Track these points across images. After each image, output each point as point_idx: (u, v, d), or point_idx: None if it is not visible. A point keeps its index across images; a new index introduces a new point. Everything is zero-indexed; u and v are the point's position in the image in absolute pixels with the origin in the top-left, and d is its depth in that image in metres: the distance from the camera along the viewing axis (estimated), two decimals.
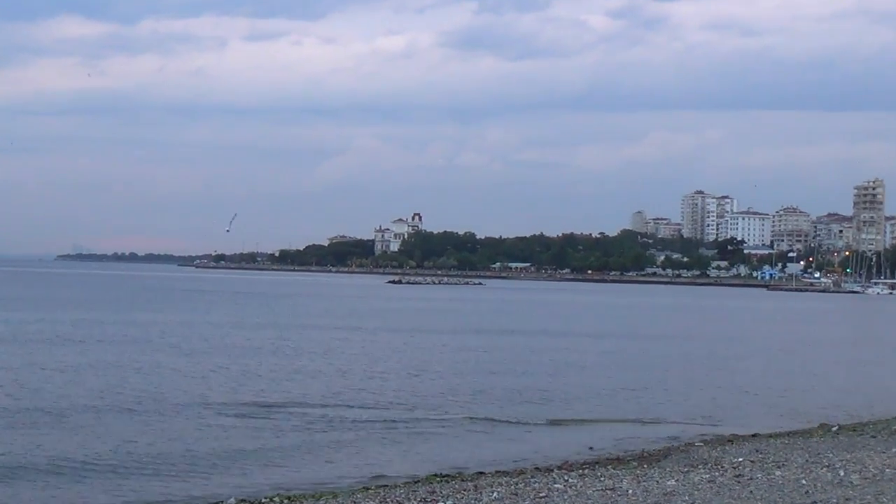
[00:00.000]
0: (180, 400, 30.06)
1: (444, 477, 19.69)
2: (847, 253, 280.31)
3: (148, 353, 44.66)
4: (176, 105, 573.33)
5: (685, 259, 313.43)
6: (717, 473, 17.98)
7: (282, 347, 49.87)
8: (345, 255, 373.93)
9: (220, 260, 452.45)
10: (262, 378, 36.38)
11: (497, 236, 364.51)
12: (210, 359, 42.88)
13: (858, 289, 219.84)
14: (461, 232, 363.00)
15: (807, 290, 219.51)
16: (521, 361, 45.48)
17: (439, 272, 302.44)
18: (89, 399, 29.59)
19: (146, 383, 33.81)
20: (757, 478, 17.03)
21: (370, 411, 28.96)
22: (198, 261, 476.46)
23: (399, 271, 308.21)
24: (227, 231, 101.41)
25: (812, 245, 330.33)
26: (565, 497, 15.92)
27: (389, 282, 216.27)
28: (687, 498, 15.18)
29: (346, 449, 23.47)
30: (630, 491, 16.15)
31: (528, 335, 63.62)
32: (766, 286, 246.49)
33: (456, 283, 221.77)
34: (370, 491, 18.01)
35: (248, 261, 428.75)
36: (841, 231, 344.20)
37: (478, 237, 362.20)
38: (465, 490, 17.21)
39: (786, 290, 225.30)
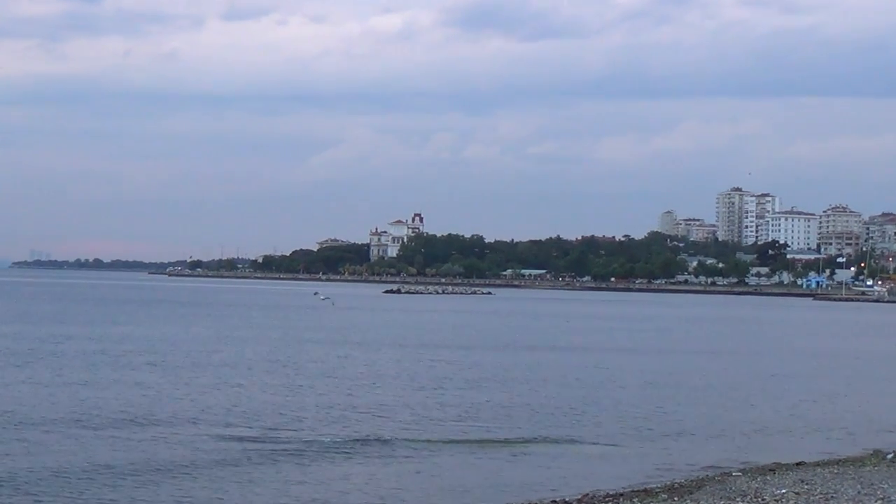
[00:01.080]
0: (167, 419, 30.84)
1: None
2: None
3: (121, 370, 45.35)
4: (145, 93, 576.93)
5: (720, 265, 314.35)
6: None
7: (275, 366, 50.59)
8: (336, 261, 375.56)
9: (195, 267, 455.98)
10: (256, 400, 37.02)
11: (508, 240, 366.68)
12: (197, 378, 43.62)
13: None
14: (467, 235, 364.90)
15: (858, 300, 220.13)
16: (542, 380, 46.17)
17: (443, 280, 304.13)
18: (63, 420, 30.27)
19: (116, 404, 34.45)
20: None
21: (381, 434, 29.72)
22: (171, 268, 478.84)
23: (397, 280, 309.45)
24: (317, 294, 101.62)
25: (864, 249, 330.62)
26: None
27: (386, 291, 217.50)
28: None
29: (356, 478, 24.13)
30: None
31: (548, 351, 64.32)
32: (813, 295, 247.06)
33: (462, 293, 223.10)
34: None
35: (228, 268, 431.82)
36: None
37: (486, 241, 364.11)
38: None
39: (834, 299, 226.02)
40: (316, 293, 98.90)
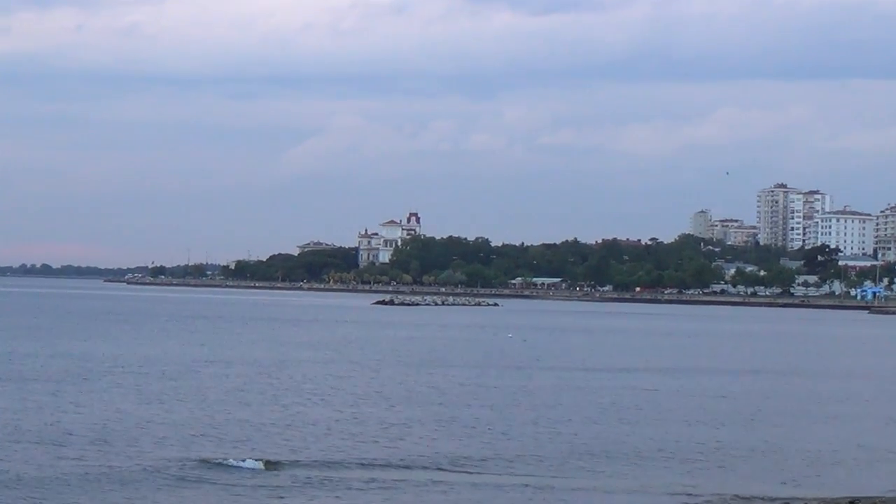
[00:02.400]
0: (138, 440, 31.39)
1: None
2: None
3: (98, 391, 45.95)
4: (100, 73, 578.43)
5: (762, 273, 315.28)
6: None
7: (266, 387, 51.35)
8: (320, 267, 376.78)
9: (158, 274, 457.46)
10: (251, 426, 37.68)
11: (518, 243, 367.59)
12: (178, 403, 44.24)
13: None
14: (471, 238, 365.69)
15: None
16: (571, 406, 46.91)
17: (443, 290, 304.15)
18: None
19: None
20: None
21: (394, 468, 30.43)
22: (130, 275, 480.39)
23: (390, 289, 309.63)
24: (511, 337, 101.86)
25: None
26: None
27: (377, 303, 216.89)
28: None
29: None
30: None
31: (569, 372, 64.89)
32: (868, 308, 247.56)
33: (464, 305, 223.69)
34: None
35: (196, 275, 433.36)
36: None
37: (492, 245, 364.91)
38: None
39: (893, 313, 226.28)
40: (510, 336, 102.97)
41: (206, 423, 37.89)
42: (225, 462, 30.18)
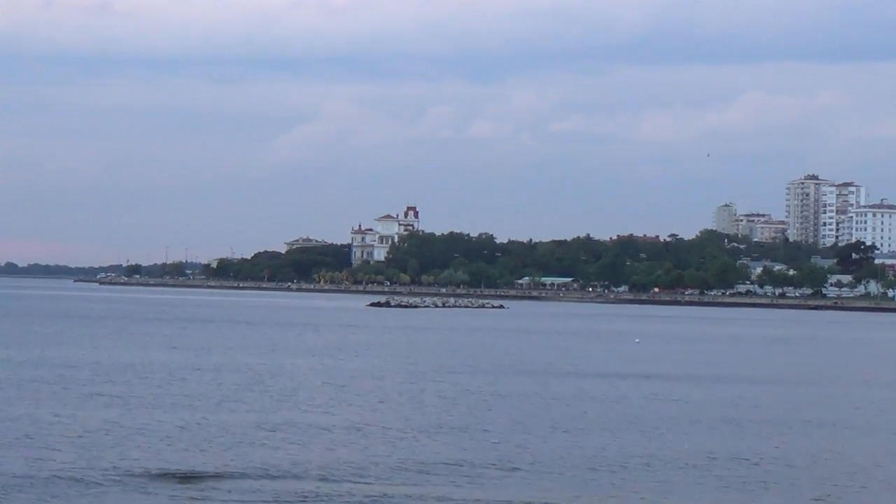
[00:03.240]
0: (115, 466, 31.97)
1: None
2: None
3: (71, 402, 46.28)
4: (69, 55, 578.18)
5: (791, 272, 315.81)
6: None
7: (260, 394, 51.82)
8: (310, 266, 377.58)
9: (134, 273, 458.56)
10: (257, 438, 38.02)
11: (525, 240, 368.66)
12: (163, 412, 44.56)
13: None
14: (474, 234, 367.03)
15: None
16: (593, 417, 47.25)
17: (443, 291, 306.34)
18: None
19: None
20: None
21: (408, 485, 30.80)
22: (103, 274, 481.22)
23: (386, 289, 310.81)
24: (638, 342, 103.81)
25: None
26: None
27: (372, 304, 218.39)
28: None
29: None
30: None
31: (597, 379, 65.24)
32: None
33: (468, 307, 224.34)
34: None
35: (174, 274, 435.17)
36: None
37: (498, 241, 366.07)
38: None
39: None
40: (637, 341, 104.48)
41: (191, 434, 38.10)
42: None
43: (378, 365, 72.55)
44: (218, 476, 30.89)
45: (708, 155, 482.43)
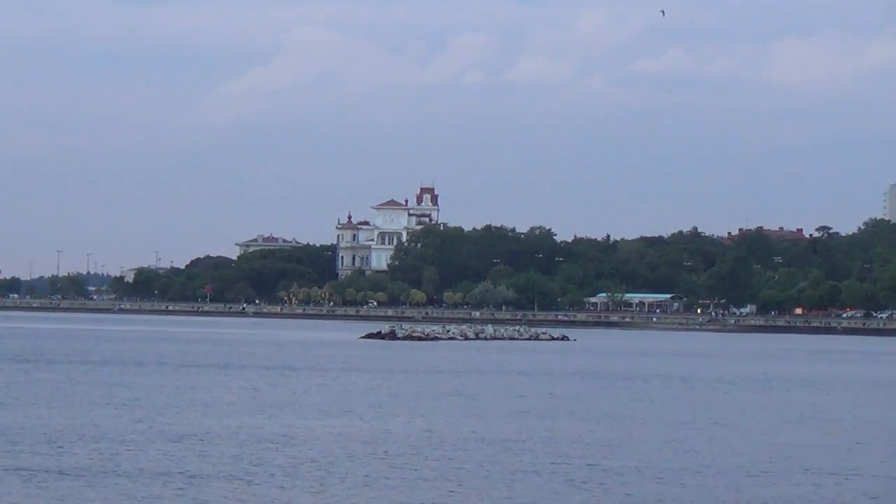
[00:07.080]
0: None
1: None
2: None
3: None
4: None
5: None
6: None
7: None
8: (274, 279, 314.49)
9: (9, 292, 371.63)
10: None
11: (599, 237, 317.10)
12: None
13: None
14: (522, 229, 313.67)
15: None
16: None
17: (476, 314, 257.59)
18: None
19: None
20: None
21: None
22: None
23: (390, 313, 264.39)
24: None
25: None
26: None
27: (368, 336, 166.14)
28: None
29: None
30: None
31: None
32: None
33: (514, 339, 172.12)
34: None
35: (71, 292, 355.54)
36: None
37: (559, 240, 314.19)
38: None
39: None
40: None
41: None
42: None
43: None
44: None
45: (662, 12, 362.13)
